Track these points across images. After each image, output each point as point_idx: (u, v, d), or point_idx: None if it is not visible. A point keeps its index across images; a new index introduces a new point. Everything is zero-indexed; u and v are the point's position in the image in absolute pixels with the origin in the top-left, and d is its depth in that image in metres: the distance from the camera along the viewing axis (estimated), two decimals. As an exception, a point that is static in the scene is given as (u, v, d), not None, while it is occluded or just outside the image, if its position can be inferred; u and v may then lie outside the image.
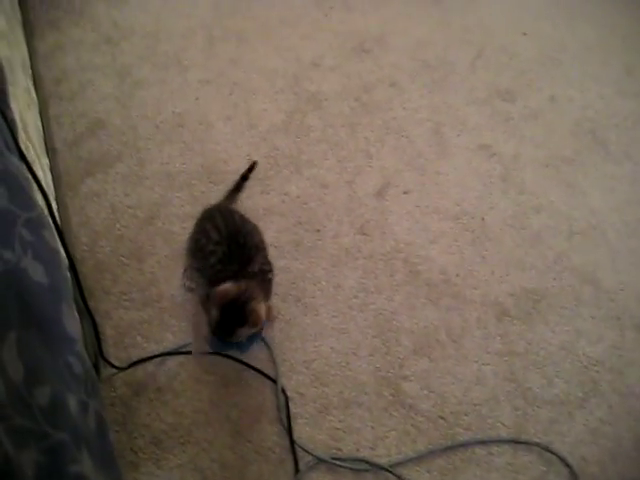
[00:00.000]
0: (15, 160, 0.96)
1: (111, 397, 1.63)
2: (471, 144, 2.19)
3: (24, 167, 1.02)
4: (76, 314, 0.96)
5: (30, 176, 1.04)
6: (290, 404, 1.62)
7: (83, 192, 2.04)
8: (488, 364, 1.71)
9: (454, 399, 1.65)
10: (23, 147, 1.32)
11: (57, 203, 1.83)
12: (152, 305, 1.78)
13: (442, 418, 1.62)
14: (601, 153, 2.21)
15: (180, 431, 1.59)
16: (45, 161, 1.86)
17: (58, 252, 0.97)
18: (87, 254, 1.89)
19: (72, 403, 0.83)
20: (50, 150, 2.10)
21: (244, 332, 1.58)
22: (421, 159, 2.13)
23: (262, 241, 1.75)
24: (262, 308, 1.58)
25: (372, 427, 1.60)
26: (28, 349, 0.79)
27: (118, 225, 1.95)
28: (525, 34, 2.59)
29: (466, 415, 1.63)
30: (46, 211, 1.10)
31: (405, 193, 2.04)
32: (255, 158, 2.11)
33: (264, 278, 1.67)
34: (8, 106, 1.18)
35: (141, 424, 1.60)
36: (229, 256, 1.63)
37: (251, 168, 2.07)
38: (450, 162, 2.13)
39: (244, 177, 2.03)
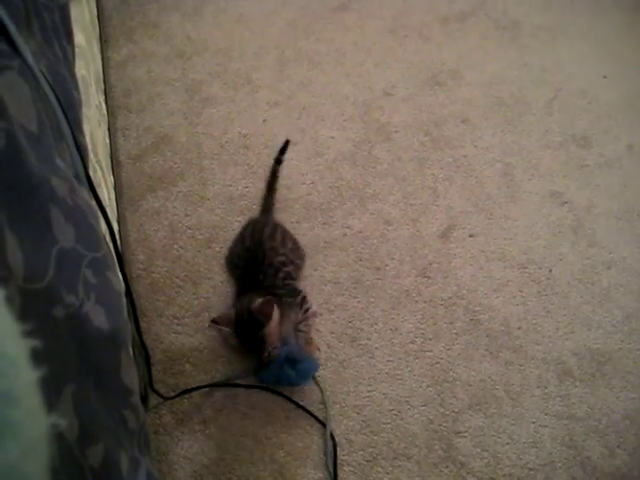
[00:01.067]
0: (84, 194, 0.94)
1: (155, 425, 1.60)
2: (542, 190, 2.11)
3: (92, 200, 1.00)
4: (133, 362, 0.93)
5: (98, 209, 1.02)
6: (337, 450, 1.57)
7: (144, 208, 2.02)
8: (546, 426, 1.63)
9: (508, 461, 1.58)
10: (92, 171, 1.30)
11: (118, 221, 1.82)
12: (204, 332, 1.76)
13: (494, 480, 1.55)
14: (679, 209, 2.11)
15: (222, 467, 1.55)
16: (110, 179, 1.85)
17: (121, 295, 0.94)
18: (143, 273, 1.87)
19: (124, 462, 0.80)
20: (115, 164, 2.10)
21: (270, 334, 1.55)
22: (489, 201, 2.06)
23: (285, 262, 1.72)
24: (270, 303, 1.55)
25: (420, 483, 1.54)
26: (84, 403, 0.76)
27: (176, 246, 1.93)
28: (605, 77, 2.49)
29: None
30: (110, 241, 1.07)
31: (471, 236, 1.98)
32: (320, 187, 2.07)
33: (282, 300, 1.64)
34: (81, 132, 1.16)
35: (183, 456, 1.56)
36: (246, 271, 1.67)
37: (284, 148, 2.01)
38: (519, 207, 2.06)
39: (278, 161, 2.00)
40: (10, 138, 0.74)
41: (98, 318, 0.84)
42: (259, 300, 1.54)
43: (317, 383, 1.66)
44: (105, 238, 0.97)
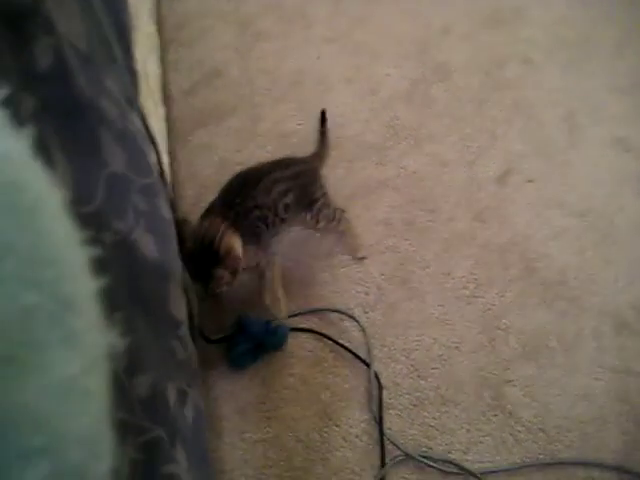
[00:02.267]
0: (136, 119, 0.90)
1: (201, 359, 1.59)
2: (607, 135, 2.01)
3: (143, 126, 0.96)
4: (182, 293, 0.90)
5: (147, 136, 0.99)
6: (384, 393, 1.55)
7: (194, 143, 1.99)
8: (600, 379, 1.58)
9: (558, 412, 1.54)
10: (143, 99, 1.27)
11: (168, 155, 1.79)
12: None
13: (543, 431, 1.51)
14: None
15: (267, 404, 1.55)
16: (162, 110, 1.82)
17: (171, 224, 0.91)
18: (192, 208, 1.84)
19: (171, 394, 0.78)
20: (166, 97, 2.07)
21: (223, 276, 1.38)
22: (550, 146, 1.98)
23: (269, 207, 1.56)
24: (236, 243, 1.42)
25: (467, 430, 1.51)
26: (132, 332, 0.74)
27: (225, 181, 1.90)
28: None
29: (569, 432, 1.51)
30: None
31: (529, 181, 1.90)
32: (374, 126, 2.01)
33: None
34: (132, 57, 1.12)
35: (228, 391, 1.56)
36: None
37: (323, 119, 1.89)
38: (581, 152, 1.97)
39: (323, 133, 1.87)
40: (58, 55, 0.71)
41: (147, 246, 0.82)
42: (228, 236, 1.40)
43: (360, 325, 1.63)
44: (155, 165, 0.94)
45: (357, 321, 1.65)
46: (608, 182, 1.91)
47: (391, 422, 1.51)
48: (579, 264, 1.76)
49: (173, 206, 1.48)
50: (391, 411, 1.53)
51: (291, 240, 1.78)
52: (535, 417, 1.53)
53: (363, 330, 1.63)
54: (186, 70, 2.19)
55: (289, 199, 1.59)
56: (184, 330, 0.86)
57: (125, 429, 0.66)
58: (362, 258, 1.74)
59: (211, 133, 2.02)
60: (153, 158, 0.93)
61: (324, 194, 1.68)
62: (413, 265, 1.75)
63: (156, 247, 0.84)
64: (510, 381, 1.58)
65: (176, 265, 0.89)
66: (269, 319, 1.60)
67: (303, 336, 1.63)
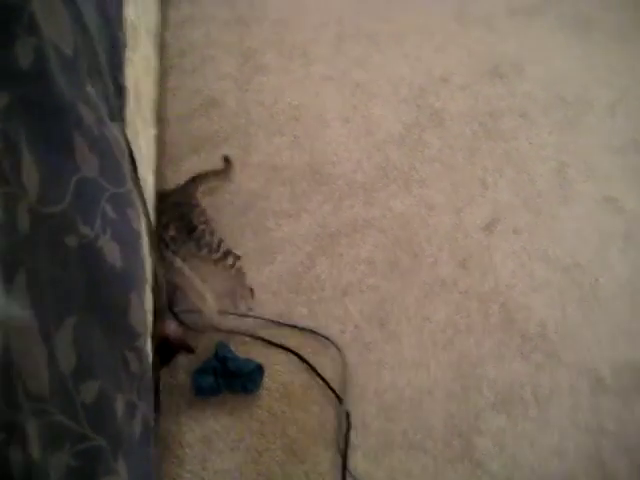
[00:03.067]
0: (115, 130, 0.90)
1: (170, 385, 1.57)
2: (596, 194, 2.01)
3: (123, 138, 0.96)
4: (144, 305, 0.88)
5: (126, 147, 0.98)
6: (352, 432, 1.51)
7: (185, 168, 2.00)
8: (572, 437, 1.55)
9: (527, 466, 1.51)
10: (129, 117, 1.27)
11: (155, 176, 1.79)
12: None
13: (511, 484, 1.48)
14: None
15: (232, 435, 1.51)
16: (152, 132, 1.82)
17: (139, 235, 0.90)
18: (177, 234, 1.84)
19: (120, 404, 0.76)
20: (161, 121, 2.08)
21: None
22: (539, 199, 1.98)
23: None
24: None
25: (434, 477, 1.48)
26: (85, 337, 0.72)
27: (213, 209, 1.89)
28: (676, 85, 2.38)
29: (538, 487, 1.49)
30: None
31: (515, 232, 1.90)
32: (365, 166, 2.02)
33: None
34: (122, 73, 1.13)
35: (194, 418, 1.53)
36: None
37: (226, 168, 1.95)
38: (570, 208, 1.97)
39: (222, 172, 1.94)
40: (39, 55, 0.71)
41: (112, 254, 0.81)
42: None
43: (342, 358, 1.61)
44: (131, 176, 0.93)
45: (337, 347, 1.63)
46: (595, 240, 1.91)
47: (356, 463, 1.48)
48: (559, 319, 1.74)
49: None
50: (358, 451, 1.50)
51: (271, 272, 1.77)
52: (503, 468, 1.50)
53: (344, 364, 1.61)
54: (185, 97, 2.20)
55: (172, 231, 1.67)
56: (141, 342, 0.84)
57: (65, 434, 0.64)
58: (246, 312, 1.71)
59: (203, 160, 2.02)
60: (129, 171, 0.92)
61: (204, 222, 1.73)
62: (393, 306, 1.73)
63: (121, 256, 0.83)
64: (481, 431, 1.55)
65: (140, 276, 0.88)
66: (248, 358, 1.59)
67: (275, 367, 1.60)
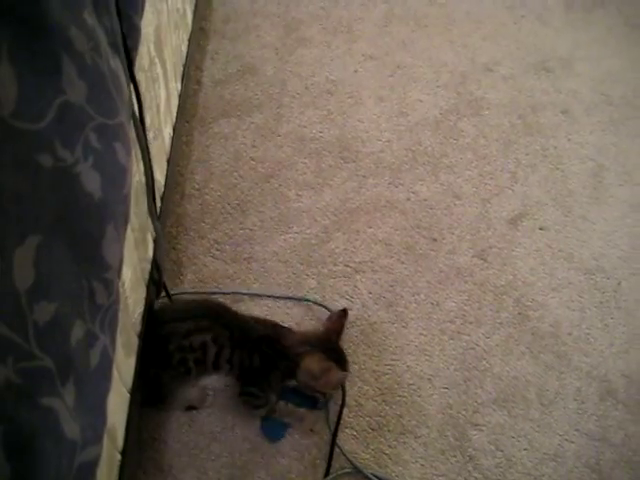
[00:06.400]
0: (116, 61, 0.88)
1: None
2: (632, 198, 1.93)
3: (124, 73, 0.94)
4: (122, 241, 0.86)
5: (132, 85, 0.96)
6: (345, 410, 1.48)
7: (213, 131, 1.99)
8: (573, 442, 1.49)
9: (522, 467, 1.46)
10: (145, 61, 1.25)
11: (174, 131, 1.77)
12: (240, 262, 1.70)
13: (502, 482, 1.44)
14: None
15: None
16: (175, 86, 1.81)
17: (126, 172, 0.88)
18: (196, 192, 1.84)
19: (77, 331, 0.74)
20: (196, 82, 2.07)
21: None
22: (570, 198, 1.91)
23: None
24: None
25: (422, 465, 1.44)
26: (48, 260, 0.70)
27: (235, 174, 1.88)
28: None
29: (530, 489, 1.43)
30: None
31: (541, 229, 1.83)
32: (395, 147, 1.97)
33: None
34: (139, 13, 1.10)
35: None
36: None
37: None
38: (602, 211, 1.90)
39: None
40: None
41: (91, 184, 0.78)
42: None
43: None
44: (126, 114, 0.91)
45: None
46: (624, 245, 1.83)
47: (345, 441, 1.44)
48: (576, 321, 1.68)
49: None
50: (347, 430, 1.46)
51: (285, 242, 1.75)
52: (496, 467, 1.45)
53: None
54: (223, 62, 2.19)
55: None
56: (112, 275, 0.82)
57: (9, 348, 0.63)
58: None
59: (233, 125, 2.01)
60: (125, 106, 0.90)
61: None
62: (403, 289, 1.69)
63: (102, 187, 0.80)
64: (478, 425, 1.50)
65: (121, 212, 0.86)
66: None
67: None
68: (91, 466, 0.77)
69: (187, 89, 1.98)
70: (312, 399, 1.45)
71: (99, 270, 0.79)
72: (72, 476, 0.72)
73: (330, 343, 1.40)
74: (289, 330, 1.43)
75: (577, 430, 1.51)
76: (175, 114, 1.78)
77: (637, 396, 1.57)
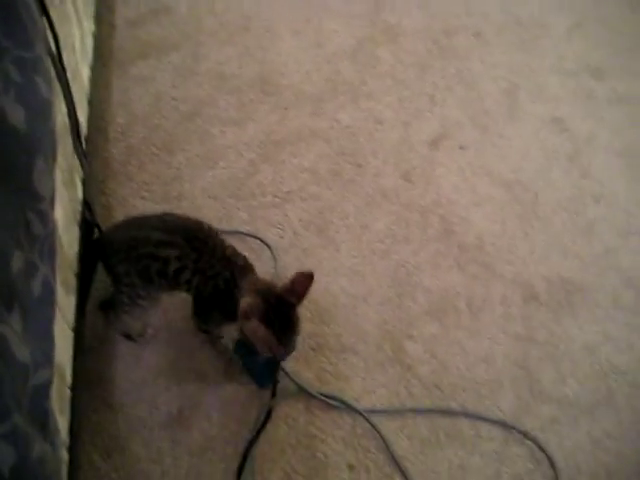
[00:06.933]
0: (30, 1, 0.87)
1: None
2: (544, 114, 2.02)
3: (35, 7, 0.92)
4: (52, 174, 0.87)
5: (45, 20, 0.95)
6: (285, 335, 1.52)
7: (132, 74, 1.96)
8: (501, 344, 1.58)
9: (456, 371, 1.54)
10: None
11: (93, 73, 1.75)
12: (170, 201, 1.71)
13: (438, 387, 1.51)
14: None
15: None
16: (88, 25, 1.77)
17: (50, 104, 0.87)
18: (120, 136, 1.82)
19: (17, 262, 0.75)
20: (108, 25, 2.03)
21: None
22: (486, 117, 1.98)
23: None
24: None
25: (363, 378, 1.50)
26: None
27: (158, 114, 1.87)
28: (634, 13, 2.37)
29: (464, 391, 1.51)
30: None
31: (461, 148, 1.90)
32: (314, 78, 1.99)
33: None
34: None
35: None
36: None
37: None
38: (517, 127, 1.97)
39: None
40: None
41: (15, 116, 0.78)
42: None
43: (275, 262, 1.62)
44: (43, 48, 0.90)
45: (271, 250, 1.64)
46: (539, 158, 1.92)
47: (288, 363, 1.49)
48: (498, 232, 1.76)
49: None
50: (288, 354, 1.51)
51: (213, 178, 1.76)
52: (432, 373, 1.53)
53: (275, 260, 1.62)
54: (135, 2, 2.15)
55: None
56: (46, 207, 0.83)
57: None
58: None
59: (151, 66, 1.98)
60: (40, 40, 0.89)
61: None
62: (332, 215, 1.73)
63: (26, 120, 0.80)
64: (412, 337, 1.57)
65: (48, 144, 0.86)
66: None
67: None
68: (45, 389, 0.79)
69: (101, 31, 1.93)
70: (260, 374, 1.45)
71: (33, 201, 0.80)
72: (27, 398, 0.73)
73: (284, 304, 1.29)
74: (252, 275, 1.38)
75: (504, 333, 1.60)
76: (91, 55, 1.75)
77: (558, 297, 1.67)
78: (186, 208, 1.70)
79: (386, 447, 1.39)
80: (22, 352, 0.72)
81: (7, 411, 0.65)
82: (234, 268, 1.33)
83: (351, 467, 1.37)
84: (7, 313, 0.72)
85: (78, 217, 1.41)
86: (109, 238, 1.39)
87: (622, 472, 1.44)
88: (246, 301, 1.23)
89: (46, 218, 0.84)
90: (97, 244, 1.42)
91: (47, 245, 0.83)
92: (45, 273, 0.81)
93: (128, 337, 1.49)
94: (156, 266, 1.32)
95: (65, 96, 1.16)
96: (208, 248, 1.33)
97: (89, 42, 1.73)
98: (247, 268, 1.37)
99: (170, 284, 1.36)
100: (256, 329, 1.24)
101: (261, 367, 1.45)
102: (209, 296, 1.35)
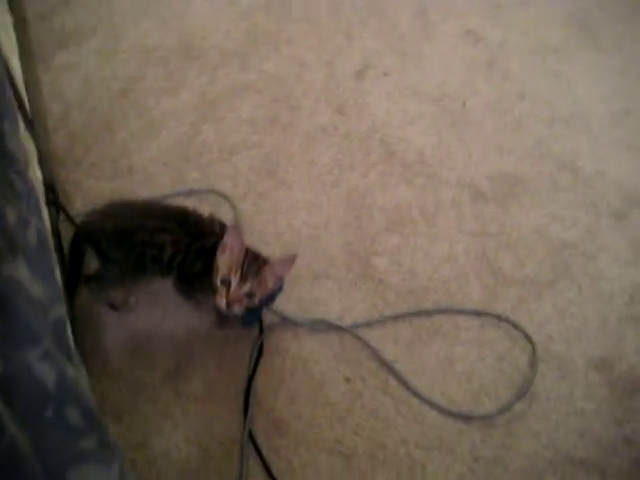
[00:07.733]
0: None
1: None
2: (457, 29, 2.12)
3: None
4: (22, 141, 0.92)
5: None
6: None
7: (55, 65, 1.99)
8: (460, 242, 1.69)
9: (424, 275, 1.64)
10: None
11: (23, 67, 1.77)
12: (122, 176, 1.75)
13: (411, 292, 1.61)
14: (590, 44, 2.14)
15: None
16: (8, 19, 1.79)
17: (2, 75, 0.92)
18: (59, 124, 1.85)
19: (11, 215, 0.80)
20: (21, 22, 2.04)
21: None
22: (404, 42, 2.07)
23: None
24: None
25: (340, 299, 1.59)
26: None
27: (91, 97, 1.91)
28: None
29: (435, 291, 1.61)
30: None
31: (385, 75, 1.99)
32: (234, 35, 2.05)
33: None
34: None
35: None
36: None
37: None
38: (434, 46, 2.07)
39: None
40: None
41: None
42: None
43: (231, 204, 1.70)
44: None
45: (228, 199, 1.71)
46: (460, 70, 2.02)
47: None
48: (436, 144, 1.86)
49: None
50: (264, 287, 1.58)
51: (159, 147, 1.81)
52: (403, 281, 1.62)
53: (234, 208, 1.69)
54: (41, -6, 2.16)
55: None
56: (23, 169, 0.88)
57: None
58: None
59: (72, 54, 2.01)
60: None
61: None
62: (279, 157, 1.80)
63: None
64: (377, 252, 1.66)
65: (9, 110, 0.91)
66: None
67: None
68: (62, 323, 0.85)
69: (16, 28, 1.95)
70: (245, 315, 1.46)
71: (11, 163, 0.85)
72: (50, 332, 0.79)
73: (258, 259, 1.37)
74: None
75: (460, 232, 1.71)
76: (17, 47, 1.77)
77: (502, 191, 1.79)
78: (139, 179, 1.75)
79: (375, 355, 1.49)
80: (37, 290, 0.78)
81: (39, 337, 0.71)
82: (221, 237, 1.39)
83: (347, 380, 1.45)
84: (14, 258, 0.77)
85: (42, 198, 1.45)
86: (98, 226, 1.42)
87: (590, 332, 1.56)
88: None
89: (25, 177, 0.89)
90: (85, 232, 1.45)
91: (31, 201, 0.89)
92: (36, 224, 0.87)
93: (113, 307, 1.54)
94: (151, 252, 1.38)
95: (8, 76, 1.20)
96: (198, 230, 1.40)
97: (11, 33, 1.75)
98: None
99: (162, 270, 1.42)
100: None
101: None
102: (199, 272, 1.41)
